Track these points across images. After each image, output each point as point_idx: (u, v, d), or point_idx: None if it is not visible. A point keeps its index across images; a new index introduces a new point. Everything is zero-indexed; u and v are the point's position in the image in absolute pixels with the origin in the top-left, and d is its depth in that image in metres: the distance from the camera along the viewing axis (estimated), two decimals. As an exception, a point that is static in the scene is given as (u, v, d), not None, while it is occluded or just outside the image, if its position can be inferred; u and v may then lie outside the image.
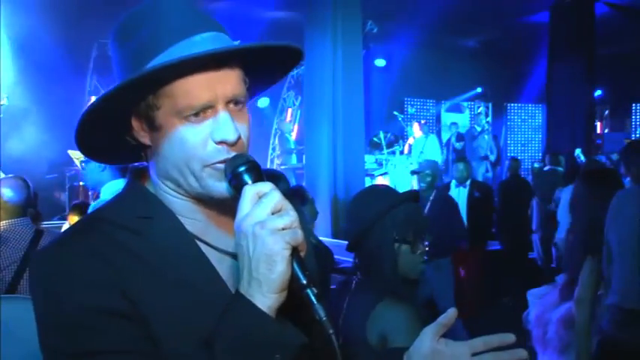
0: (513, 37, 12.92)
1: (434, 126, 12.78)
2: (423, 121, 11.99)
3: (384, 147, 10.82)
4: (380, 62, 13.01)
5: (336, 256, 6.49)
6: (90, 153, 1.03)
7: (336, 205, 8.00)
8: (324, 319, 0.83)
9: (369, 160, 10.06)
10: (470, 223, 5.76)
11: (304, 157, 9.46)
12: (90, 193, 8.63)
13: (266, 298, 0.82)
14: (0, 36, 8.66)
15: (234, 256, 0.96)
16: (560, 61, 11.46)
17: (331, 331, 0.82)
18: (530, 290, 3.48)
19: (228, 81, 0.91)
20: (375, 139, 10.85)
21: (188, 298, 0.91)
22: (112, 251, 0.90)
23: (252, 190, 0.86)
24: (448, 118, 14.10)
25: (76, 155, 8.83)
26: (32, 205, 3.22)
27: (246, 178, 0.88)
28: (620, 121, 15.71)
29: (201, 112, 0.90)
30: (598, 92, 13.83)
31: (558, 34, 11.45)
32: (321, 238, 7.45)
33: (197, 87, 0.89)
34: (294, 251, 0.83)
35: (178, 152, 0.91)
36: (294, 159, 11.41)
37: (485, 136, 10.81)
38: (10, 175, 3.23)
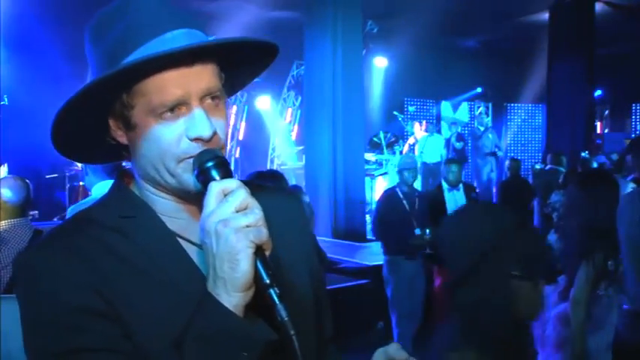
0: (513, 37, 12.93)
1: (434, 126, 12.76)
2: (424, 122, 11.99)
3: (384, 147, 10.82)
4: (380, 62, 13.01)
5: (336, 257, 6.51)
6: (68, 153, 1.03)
7: (335, 205, 8.00)
8: (285, 319, 0.81)
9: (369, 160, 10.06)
10: None
11: (304, 157, 9.46)
12: (90, 193, 8.64)
13: (231, 296, 0.82)
14: (0, 35, 8.66)
15: None
16: (560, 61, 11.46)
17: (292, 332, 0.81)
18: None
19: (202, 77, 0.91)
20: (375, 139, 10.85)
21: (169, 296, 0.91)
22: (94, 251, 0.90)
23: (217, 186, 0.84)
24: (447, 111, 14.12)
25: (76, 155, 8.83)
26: (31, 205, 3.23)
27: (214, 173, 0.87)
28: (620, 121, 15.73)
29: (176, 108, 0.89)
30: (598, 92, 13.84)
31: (558, 34, 11.45)
32: (321, 238, 7.46)
33: (170, 84, 0.88)
34: (259, 250, 0.82)
35: (154, 150, 0.91)
36: (294, 159, 11.42)
37: (490, 135, 10.79)
38: (9, 176, 3.23)
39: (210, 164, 0.87)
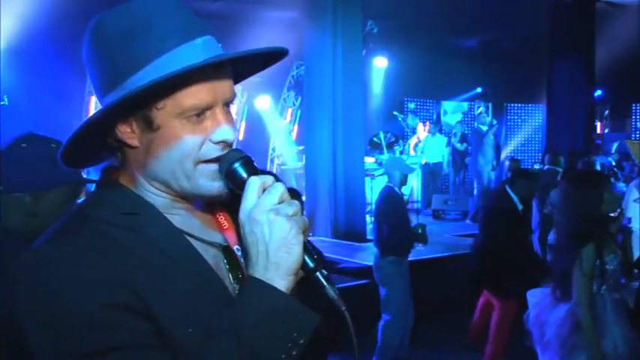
0: (513, 37, 12.93)
1: (436, 126, 12.76)
2: (428, 122, 11.98)
3: (384, 147, 10.82)
4: (380, 62, 13.01)
5: (336, 257, 6.51)
6: (74, 163, 1.01)
7: (336, 205, 8.00)
8: (336, 297, 0.88)
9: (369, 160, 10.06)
10: None
11: (304, 157, 9.46)
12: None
13: (284, 280, 0.87)
14: (0, 35, 8.66)
15: (216, 246, 1.01)
16: (560, 61, 11.46)
17: (344, 308, 0.88)
18: (530, 290, 3.48)
19: (227, 85, 0.96)
20: (374, 139, 10.85)
21: (187, 288, 0.93)
22: (108, 247, 0.89)
23: (257, 181, 0.90)
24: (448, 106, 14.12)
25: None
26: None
27: (242, 172, 0.93)
28: (620, 121, 15.73)
29: (202, 112, 0.93)
30: (598, 92, 13.84)
31: (558, 34, 11.45)
32: (321, 238, 7.45)
33: (201, 89, 0.92)
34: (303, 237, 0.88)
35: (175, 151, 0.93)
36: (294, 159, 11.41)
37: (491, 136, 10.78)
38: None
39: (238, 164, 0.93)
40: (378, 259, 4.74)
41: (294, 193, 4.01)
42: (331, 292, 0.88)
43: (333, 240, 7.73)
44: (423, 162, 10.98)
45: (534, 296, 3.38)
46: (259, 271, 0.87)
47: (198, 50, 0.92)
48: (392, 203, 4.73)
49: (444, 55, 13.03)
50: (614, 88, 14.94)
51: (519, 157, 12.01)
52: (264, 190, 0.90)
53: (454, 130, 11.92)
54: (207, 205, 1.03)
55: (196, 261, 0.97)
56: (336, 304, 0.88)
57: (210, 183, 0.95)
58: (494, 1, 10.36)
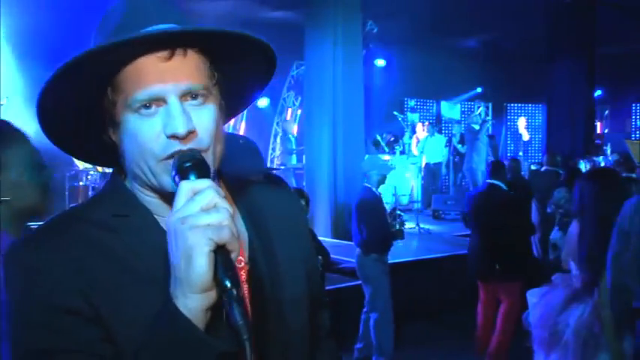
0: (513, 37, 12.93)
1: (435, 126, 12.77)
2: (427, 122, 11.99)
3: (384, 147, 10.83)
4: (380, 62, 13.01)
5: (336, 257, 6.51)
6: (61, 143, 1.00)
7: (336, 205, 8.00)
8: (240, 322, 0.76)
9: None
10: None
11: (304, 157, 9.46)
12: (90, 193, 8.64)
13: (187, 298, 0.78)
14: (0, 36, 8.66)
15: None
16: (560, 61, 11.47)
17: (245, 337, 0.76)
18: (530, 290, 3.47)
19: (181, 71, 0.88)
20: (378, 137, 10.88)
21: (157, 295, 0.87)
22: (84, 250, 0.89)
23: (187, 185, 0.82)
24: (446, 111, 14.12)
25: (76, 155, 8.84)
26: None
27: (191, 175, 0.84)
28: (620, 121, 15.73)
29: (153, 103, 0.87)
30: (598, 92, 13.85)
31: (558, 34, 11.45)
32: (320, 238, 7.46)
33: (146, 77, 0.86)
34: (221, 250, 0.78)
35: (134, 147, 0.89)
36: (294, 159, 11.41)
37: (485, 134, 10.78)
38: None
39: (187, 165, 0.85)
40: (362, 258, 4.80)
41: (301, 194, 3.99)
42: (237, 316, 0.76)
43: (333, 240, 7.73)
44: (424, 162, 10.98)
45: (534, 296, 3.37)
46: (171, 287, 0.80)
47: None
48: (370, 204, 4.79)
49: (444, 55, 13.02)
50: (614, 88, 14.95)
51: (519, 157, 11.99)
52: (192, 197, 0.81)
53: (454, 131, 11.93)
54: None
55: None
56: (239, 331, 0.76)
57: (171, 181, 0.88)
58: (494, 1, 10.36)
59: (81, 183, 8.85)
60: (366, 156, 9.09)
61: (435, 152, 11.32)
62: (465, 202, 5.60)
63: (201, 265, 0.77)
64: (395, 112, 12.29)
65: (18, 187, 1.48)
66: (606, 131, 15.41)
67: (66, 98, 0.90)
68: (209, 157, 0.91)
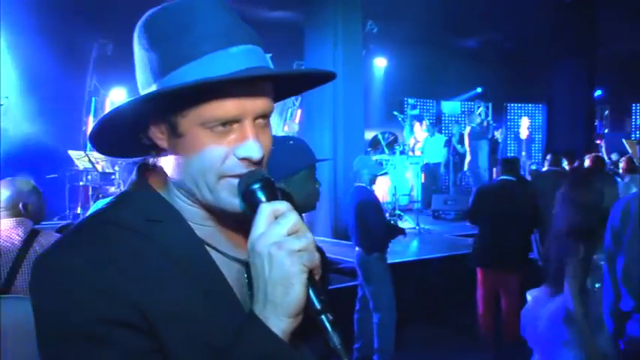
0: (513, 37, 12.94)
1: (434, 126, 12.78)
2: (424, 122, 11.99)
3: (384, 147, 10.83)
4: (380, 62, 13.01)
5: (336, 257, 6.51)
6: (104, 150, 0.99)
7: (336, 205, 8.00)
8: (339, 347, 0.80)
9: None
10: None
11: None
12: (90, 193, 8.64)
13: (281, 321, 0.80)
14: (0, 36, 8.66)
15: (241, 262, 0.95)
16: (560, 61, 11.47)
17: (345, 359, 0.80)
18: (530, 290, 3.47)
19: (260, 98, 0.89)
20: (378, 136, 10.89)
21: (198, 304, 0.88)
22: (122, 257, 0.86)
23: (268, 208, 0.83)
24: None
25: (76, 155, 8.84)
26: (32, 204, 3.22)
27: (260, 195, 0.86)
28: (620, 121, 15.73)
29: (228, 124, 0.87)
30: (598, 92, 13.85)
31: (559, 34, 11.45)
32: (321, 238, 7.44)
33: (228, 100, 0.86)
34: (310, 274, 0.81)
35: (197, 163, 0.88)
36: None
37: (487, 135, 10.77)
38: (9, 178, 3.23)
39: (256, 185, 0.86)
40: (364, 257, 4.78)
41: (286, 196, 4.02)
42: (335, 340, 0.80)
43: (333, 240, 7.72)
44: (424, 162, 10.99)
45: (532, 294, 3.38)
46: (258, 308, 0.82)
47: (230, 60, 0.86)
48: (369, 202, 4.81)
49: (444, 55, 13.02)
50: (614, 88, 14.95)
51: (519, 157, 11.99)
52: (275, 219, 0.83)
53: (453, 131, 11.93)
54: (238, 223, 0.97)
55: (213, 276, 0.92)
56: (339, 354, 0.80)
57: (232, 199, 0.89)
58: (494, 1, 10.36)
59: (81, 183, 8.85)
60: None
61: (434, 152, 11.32)
62: (472, 198, 5.69)
63: (299, 291, 0.80)
64: (395, 112, 12.29)
65: None
66: (606, 131, 15.41)
67: (127, 113, 0.89)
68: None
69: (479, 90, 14.46)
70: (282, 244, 0.80)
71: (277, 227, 0.81)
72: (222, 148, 0.87)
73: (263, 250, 0.81)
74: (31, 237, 2.96)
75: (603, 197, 3.04)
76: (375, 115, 12.60)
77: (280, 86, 0.96)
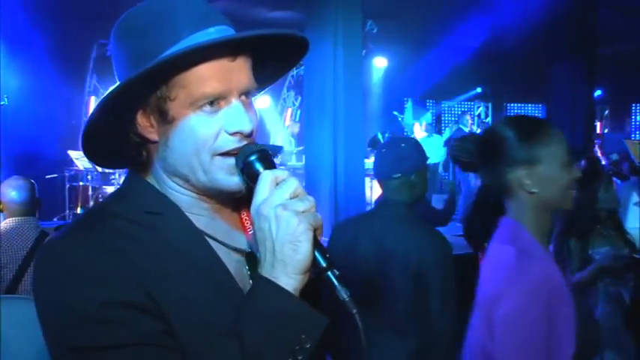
0: (513, 37, 12.92)
1: (434, 126, 12.78)
2: (424, 123, 11.99)
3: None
4: (380, 62, 13.01)
5: (336, 256, 6.51)
6: (94, 158, 1.00)
7: (336, 205, 7.99)
8: (348, 299, 0.84)
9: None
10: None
11: (304, 157, 9.46)
12: (90, 193, 8.64)
13: (291, 279, 0.83)
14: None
15: (240, 252, 0.98)
16: (560, 61, 11.46)
17: (354, 311, 0.83)
18: None
19: (243, 72, 0.92)
20: (377, 136, 10.87)
21: (202, 292, 0.90)
22: (126, 245, 0.88)
23: (270, 175, 0.87)
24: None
25: (76, 155, 8.84)
26: (39, 205, 3.23)
27: (258, 165, 0.90)
28: (620, 121, 15.73)
29: (215, 102, 0.90)
30: (598, 92, 13.84)
31: (558, 34, 11.45)
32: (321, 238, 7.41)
33: (212, 76, 0.89)
34: (314, 235, 0.85)
35: (189, 143, 0.91)
36: (294, 159, 11.41)
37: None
38: (14, 176, 3.24)
39: (254, 157, 0.90)
40: None
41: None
42: (342, 293, 0.84)
43: (333, 240, 7.72)
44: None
45: None
46: (267, 269, 0.84)
47: (208, 37, 0.89)
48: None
49: (444, 55, 13.01)
50: (614, 88, 14.94)
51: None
52: (277, 185, 0.87)
53: (450, 131, 11.95)
54: (232, 203, 1.01)
55: (215, 266, 0.94)
56: (347, 307, 0.84)
57: (228, 177, 0.93)
58: (494, 1, 10.36)
59: (81, 183, 8.84)
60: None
61: (433, 152, 11.32)
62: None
63: (307, 248, 0.83)
64: (395, 112, 12.29)
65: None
66: (606, 131, 15.41)
67: (112, 109, 0.90)
68: None
69: (479, 90, 14.45)
70: (288, 206, 0.83)
71: (280, 191, 0.85)
72: (213, 125, 0.90)
73: (269, 213, 0.83)
74: (41, 239, 2.97)
75: (596, 198, 3.12)
76: (375, 115, 12.60)
77: (264, 65, 0.99)
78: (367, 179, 9.02)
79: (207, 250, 0.95)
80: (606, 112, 16.04)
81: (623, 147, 8.98)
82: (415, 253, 2.21)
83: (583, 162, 7.99)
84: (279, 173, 0.87)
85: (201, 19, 0.92)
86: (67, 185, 8.89)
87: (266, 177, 0.87)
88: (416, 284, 2.20)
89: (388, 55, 12.94)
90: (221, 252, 0.96)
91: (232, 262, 0.96)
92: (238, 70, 0.91)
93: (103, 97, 0.89)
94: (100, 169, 8.64)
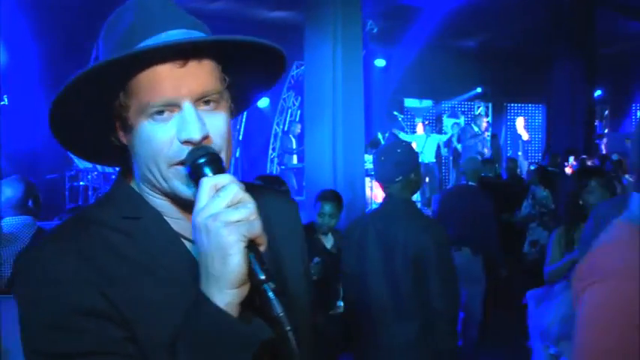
0: (513, 37, 12.92)
1: (433, 126, 12.78)
2: (426, 122, 11.99)
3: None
4: (380, 62, 13.00)
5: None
6: (70, 145, 1.01)
7: (336, 205, 7.99)
8: (281, 314, 0.78)
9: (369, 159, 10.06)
10: None
11: (304, 157, 9.46)
12: (90, 193, 8.64)
13: (223, 294, 0.78)
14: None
15: None
16: (560, 61, 11.46)
17: (288, 328, 0.78)
18: (530, 291, 3.49)
19: (196, 77, 0.87)
20: (377, 137, 10.89)
21: (175, 296, 0.89)
22: (98, 252, 0.89)
23: (209, 182, 0.82)
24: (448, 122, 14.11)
25: (76, 155, 8.82)
26: (37, 204, 3.23)
27: (206, 170, 0.85)
28: (620, 121, 15.73)
29: (167, 109, 0.87)
30: (598, 92, 13.84)
31: (558, 34, 11.45)
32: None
33: (161, 83, 0.86)
34: (252, 244, 0.79)
35: (147, 152, 0.89)
36: (294, 159, 11.41)
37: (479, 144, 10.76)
38: (13, 176, 3.24)
39: (202, 161, 0.85)
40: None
41: (277, 183, 4.06)
42: (277, 308, 0.78)
43: (333, 240, 7.72)
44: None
45: (533, 296, 3.41)
46: (203, 284, 0.80)
47: (159, 41, 0.87)
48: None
49: (443, 55, 13.01)
50: (614, 88, 14.94)
51: (518, 157, 11.98)
52: (215, 193, 0.81)
53: (453, 131, 11.94)
54: None
55: (190, 270, 0.91)
56: (281, 322, 0.78)
57: (184, 187, 0.89)
58: (494, 1, 10.36)
59: (81, 183, 8.84)
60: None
61: (430, 152, 11.33)
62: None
63: (237, 261, 0.77)
64: (395, 112, 12.29)
65: None
66: (606, 131, 15.41)
67: (76, 104, 0.90)
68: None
69: (479, 90, 14.45)
70: (218, 216, 0.78)
71: (217, 200, 0.80)
72: (165, 133, 0.88)
73: (200, 224, 0.79)
74: (37, 236, 2.97)
75: (578, 195, 3.32)
76: (375, 115, 12.60)
77: (240, 80, 0.95)
78: (367, 179, 9.02)
79: (183, 255, 0.94)
80: (606, 112, 16.04)
81: (623, 147, 8.98)
82: (413, 240, 2.48)
83: (572, 159, 8.09)
84: (219, 180, 0.82)
85: (159, 23, 0.90)
86: (67, 185, 8.89)
87: (204, 185, 0.82)
88: (415, 268, 2.46)
89: (388, 55, 12.94)
90: (197, 254, 0.96)
91: None
92: (191, 75, 0.87)
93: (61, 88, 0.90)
94: (100, 168, 8.65)
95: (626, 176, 6.88)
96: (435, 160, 11.46)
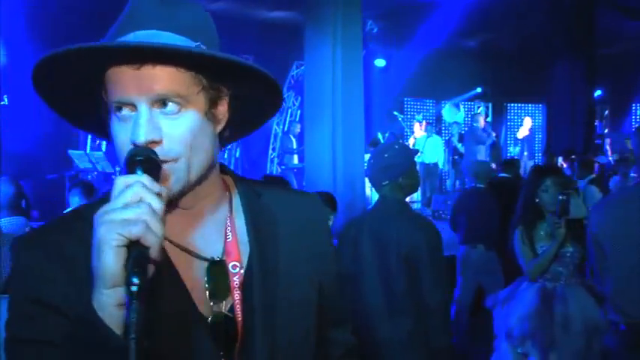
0: (513, 37, 12.93)
1: (434, 126, 12.78)
2: (424, 122, 11.98)
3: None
4: (380, 62, 13.00)
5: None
6: (60, 108, 1.07)
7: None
8: (132, 320, 0.72)
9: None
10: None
11: (304, 157, 9.47)
12: (90, 193, 8.64)
13: (100, 293, 0.77)
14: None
15: (202, 258, 0.97)
16: (560, 61, 11.46)
17: (132, 336, 0.72)
18: (496, 293, 3.62)
19: (153, 78, 0.87)
20: (377, 137, 10.89)
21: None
22: (77, 250, 0.90)
23: (121, 180, 0.80)
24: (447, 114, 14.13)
25: (76, 155, 8.84)
26: (27, 205, 3.24)
27: (138, 170, 0.82)
28: (620, 121, 15.73)
29: (124, 107, 0.88)
30: (598, 92, 13.84)
31: (558, 34, 11.46)
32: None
33: (117, 82, 0.88)
34: (134, 245, 0.76)
35: (116, 150, 0.92)
36: (295, 159, 11.41)
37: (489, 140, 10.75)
38: (1, 177, 3.25)
39: (138, 158, 0.83)
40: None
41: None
42: (131, 315, 0.73)
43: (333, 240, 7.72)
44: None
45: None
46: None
47: (126, 40, 0.89)
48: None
49: (443, 55, 13.02)
50: (614, 88, 14.95)
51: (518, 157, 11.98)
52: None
53: (453, 131, 11.93)
54: (213, 208, 1.01)
55: (166, 274, 0.91)
56: (128, 328, 0.73)
57: None
58: (494, 1, 10.36)
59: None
60: (419, 158, 9.26)
61: (432, 153, 11.32)
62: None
63: (107, 260, 0.75)
64: (395, 112, 12.29)
65: None
66: (606, 131, 15.41)
67: (66, 76, 0.93)
68: (180, 167, 0.90)
69: (479, 90, 14.45)
70: (104, 214, 0.77)
71: (117, 199, 0.78)
72: (124, 132, 0.89)
73: (94, 219, 0.78)
74: None
75: (534, 194, 3.35)
76: (375, 115, 12.60)
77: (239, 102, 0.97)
78: (367, 179, 9.02)
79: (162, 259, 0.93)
80: (606, 112, 16.04)
81: (623, 146, 8.98)
82: (405, 240, 2.51)
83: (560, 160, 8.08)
84: (130, 178, 0.80)
85: (132, 21, 0.91)
86: (67, 185, 8.89)
87: (116, 183, 0.80)
88: (408, 267, 2.49)
89: (388, 55, 12.94)
90: (182, 260, 0.95)
91: (195, 270, 0.95)
92: (149, 77, 0.86)
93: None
94: (100, 168, 8.65)
95: (632, 174, 6.88)
96: (436, 161, 11.46)
